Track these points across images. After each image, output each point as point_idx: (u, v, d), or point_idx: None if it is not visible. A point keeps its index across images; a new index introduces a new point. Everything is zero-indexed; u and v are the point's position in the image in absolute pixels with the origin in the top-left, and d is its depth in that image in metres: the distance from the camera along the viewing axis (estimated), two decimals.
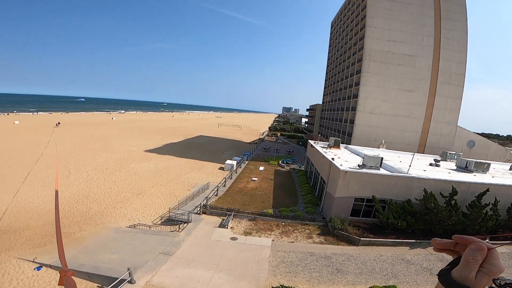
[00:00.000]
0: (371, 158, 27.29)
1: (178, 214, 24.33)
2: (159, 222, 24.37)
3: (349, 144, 49.63)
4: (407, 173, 26.37)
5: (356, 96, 53.00)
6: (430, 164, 37.33)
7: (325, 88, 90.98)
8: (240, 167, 46.47)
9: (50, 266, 15.77)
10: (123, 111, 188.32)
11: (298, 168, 47.71)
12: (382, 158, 27.89)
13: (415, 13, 51.07)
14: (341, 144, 43.31)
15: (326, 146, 42.12)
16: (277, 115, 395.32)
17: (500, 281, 1.14)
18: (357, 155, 37.73)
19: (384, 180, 25.34)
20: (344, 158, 33.49)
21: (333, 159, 30.18)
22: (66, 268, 1.91)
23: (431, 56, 50.39)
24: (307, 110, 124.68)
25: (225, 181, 36.70)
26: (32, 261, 16.20)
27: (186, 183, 36.60)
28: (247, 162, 51.39)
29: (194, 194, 31.34)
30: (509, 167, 41.55)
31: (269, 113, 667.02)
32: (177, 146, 66.99)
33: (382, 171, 27.47)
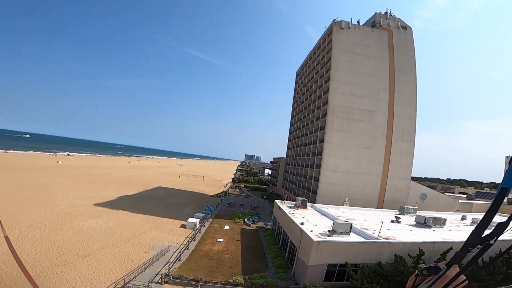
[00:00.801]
0: (341, 225, 27.92)
1: (135, 285, 20.71)
2: None
3: (314, 202, 50.45)
4: (377, 239, 26.94)
5: (320, 153, 55.18)
6: (392, 221, 39.18)
7: (289, 141, 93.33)
8: (204, 226, 43.34)
9: None
10: (71, 154, 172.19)
11: (265, 226, 46.01)
12: (351, 225, 28.65)
13: (373, 66, 55.32)
14: (308, 204, 43.49)
15: (293, 206, 42.07)
16: (239, 163, 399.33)
17: (420, 267, 1.57)
18: (325, 215, 38.09)
19: (356, 247, 25.74)
20: (313, 221, 33.46)
21: (302, 223, 30.21)
22: None
23: (386, 112, 54.79)
24: (271, 162, 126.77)
25: (188, 243, 33.38)
26: None
27: (143, 244, 32.35)
28: (211, 220, 48.27)
29: (153, 258, 27.63)
30: (460, 217, 45.67)
31: (231, 160, 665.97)
32: (133, 199, 61.16)
33: (352, 236, 28.02)
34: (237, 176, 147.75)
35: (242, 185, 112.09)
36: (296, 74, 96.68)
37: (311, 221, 32.98)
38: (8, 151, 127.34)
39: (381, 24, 58.95)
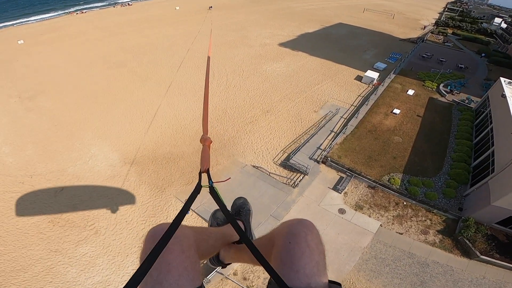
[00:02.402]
0: None
1: (297, 163, 23.16)
2: (279, 162, 24.27)
3: None
4: None
5: None
6: None
7: None
8: (383, 84, 37.94)
9: (194, 211, 19.06)
10: None
11: (466, 102, 34.30)
12: None
13: None
14: None
15: None
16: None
17: None
18: None
19: None
20: None
21: None
22: (206, 136, 1.91)
23: None
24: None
25: (358, 108, 31.70)
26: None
27: (314, 100, 33.86)
28: (393, 76, 41.06)
29: (320, 123, 29.12)
30: None
31: None
32: (312, 38, 60.17)
33: None
34: (443, 18, 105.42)
35: (450, 31, 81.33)
36: None
37: None
38: None
39: None
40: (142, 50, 48.23)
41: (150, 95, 33.26)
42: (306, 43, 55.29)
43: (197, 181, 1.57)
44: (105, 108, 30.69)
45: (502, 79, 29.49)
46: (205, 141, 1.87)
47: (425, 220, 19.89)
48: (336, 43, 58.30)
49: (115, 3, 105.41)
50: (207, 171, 1.65)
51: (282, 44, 53.55)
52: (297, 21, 75.29)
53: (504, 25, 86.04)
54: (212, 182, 1.62)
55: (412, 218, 19.98)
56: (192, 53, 45.78)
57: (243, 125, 28.51)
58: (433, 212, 20.32)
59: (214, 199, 1.52)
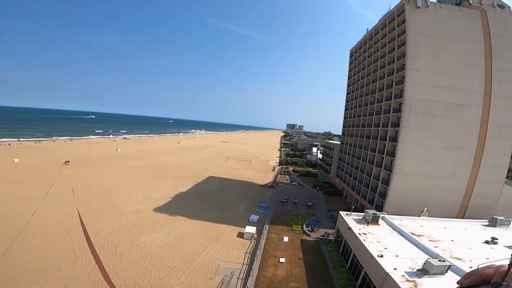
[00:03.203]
0: (437, 267, 23.64)
1: None
2: None
3: (382, 207, 45.90)
4: None
5: (391, 153, 47.86)
6: (486, 242, 33.31)
7: (344, 126, 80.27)
8: (262, 237, 41.72)
9: None
10: (128, 137, 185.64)
11: (326, 237, 42.84)
12: (449, 266, 23.90)
13: (463, 51, 44.07)
14: (379, 216, 38.50)
15: (361, 219, 37.77)
16: (282, 133, 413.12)
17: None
18: (402, 235, 33.29)
19: None
20: (391, 248, 29.41)
21: (381, 256, 26.38)
22: None
23: (480, 105, 44.41)
24: (322, 146, 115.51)
25: (250, 266, 32.37)
26: None
27: (207, 267, 31.97)
28: (267, 227, 46.25)
29: None
30: None
31: (273, 129, 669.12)
32: (187, 197, 61.99)
33: (447, 276, 23.63)
34: (283, 157, 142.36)
35: (291, 169, 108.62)
36: (350, 53, 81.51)
37: (389, 248, 29.00)
38: (72, 138, 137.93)
39: (470, 2, 45.87)
40: None
41: None
42: (182, 205, 55.25)
43: None
44: None
45: (341, 213, 39.62)
46: None
47: None
48: (211, 200, 61.43)
49: None
50: None
51: (158, 209, 51.12)
52: (170, 179, 77.30)
53: (320, 155, 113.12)
54: None
55: None
56: (33, 227, 36.86)
57: None
58: None
59: None
